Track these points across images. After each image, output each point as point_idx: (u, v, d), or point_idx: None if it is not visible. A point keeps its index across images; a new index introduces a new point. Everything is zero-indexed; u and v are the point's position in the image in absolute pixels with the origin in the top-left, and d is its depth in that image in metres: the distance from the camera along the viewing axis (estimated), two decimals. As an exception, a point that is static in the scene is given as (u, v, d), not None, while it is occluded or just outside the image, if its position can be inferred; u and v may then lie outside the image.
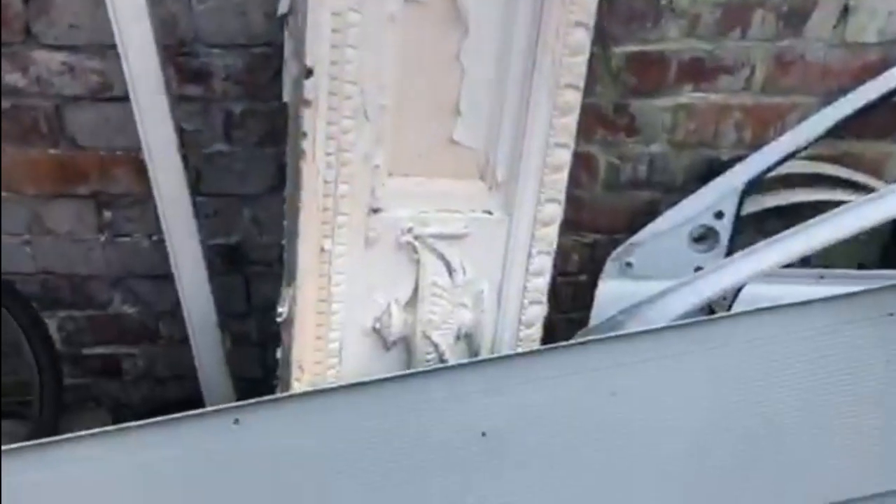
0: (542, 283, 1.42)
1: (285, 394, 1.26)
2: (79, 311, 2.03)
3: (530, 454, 1.24)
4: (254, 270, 1.99)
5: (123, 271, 1.96)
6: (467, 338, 1.43)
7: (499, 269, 1.38)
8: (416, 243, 1.31)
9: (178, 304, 1.97)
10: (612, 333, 1.32)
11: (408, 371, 1.30)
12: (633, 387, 1.27)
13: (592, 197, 1.89)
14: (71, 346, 2.09)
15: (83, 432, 1.19)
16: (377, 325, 1.36)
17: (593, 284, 1.85)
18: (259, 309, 2.05)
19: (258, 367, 2.10)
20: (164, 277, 1.95)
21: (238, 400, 1.84)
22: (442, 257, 1.33)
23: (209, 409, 1.22)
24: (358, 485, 1.21)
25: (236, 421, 1.22)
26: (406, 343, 1.40)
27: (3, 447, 1.14)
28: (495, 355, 1.32)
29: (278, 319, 1.29)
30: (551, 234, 1.38)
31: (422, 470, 1.23)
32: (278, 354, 1.52)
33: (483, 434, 1.24)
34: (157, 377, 2.15)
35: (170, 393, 2.17)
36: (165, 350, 2.11)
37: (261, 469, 1.21)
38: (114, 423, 2.09)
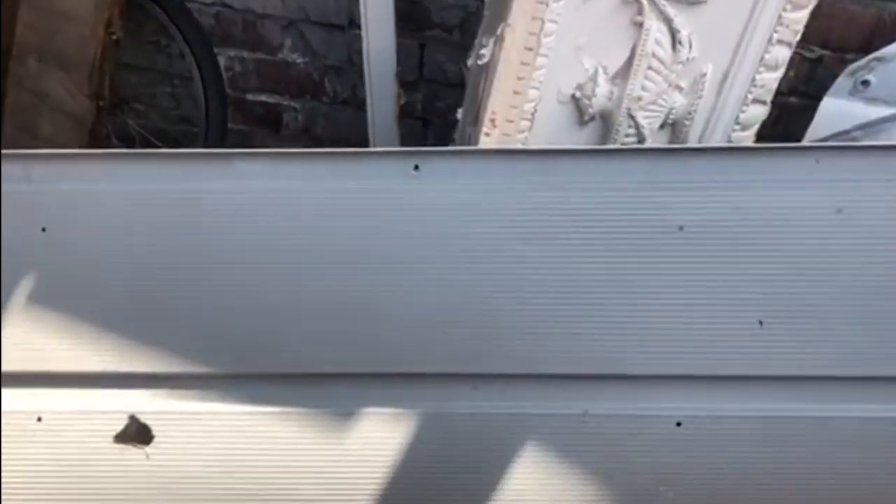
0: (773, 79, 1.23)
1: (472, 147, 1.16)
2: (248, 52, 1.97)
3: (733, 256, 1.10)
4: (432, 35, 1.86)
5: (299, 14, 1.86)
6: (673, 126, 1.27)
7: (730, 51, 1.19)
8: (645, 2, 1.13)
9: (347, 60, 1.88)
10: (851, 144, 1.13)
11: (606, 146, 1.16)
12: (865, 206, 1.10)
13: (832, 1, 1.61)
14: (235, 90, 2.05)
15: (266, 150, 1.13)
16: (578, 94, 1.22)
17: (804, 109, 1.63)
18: (429, 80, 1.93)
19: (416, 143, 2.01)
20: (339, 28, 1.86)
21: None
22: (670, 25, 1.15)
23: (392, 149, 1.14)
24: (536, 253, 1.12)
25: (416, 167, 1.13)
26: (605, 120, 1.25)
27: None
28: (706, 145, 1.16)
29: (479, 62, 1.16)
30: (800, 20, 1.17)
31: (611, 251, 1.11)
32: (458, 114, 1.41)
33: (680, 228, 1.12)
34: (315, 135, 2.10)
35: (325, 155, 2.12)
36: (328, 108, 2.04)
37: (432, 219, 1.13)
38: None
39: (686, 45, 1.16)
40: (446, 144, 2.01)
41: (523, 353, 1.14)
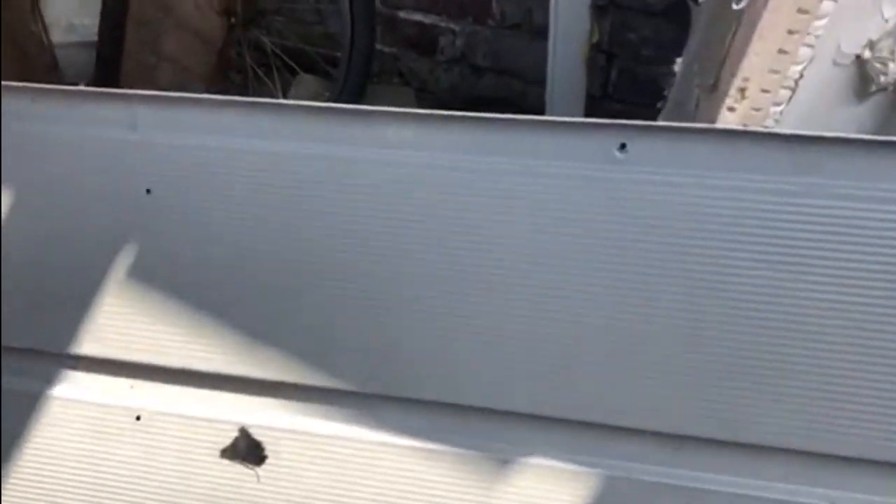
0: None
1: (709, 126, 0.83)
2: (404, -39, 1.67)
3: None
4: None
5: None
6: None
7: None
8: None
9: (521, -25, 1.55)
10: None
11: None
12: None
13: None
14: (387, 6, 1.76)
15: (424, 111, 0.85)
16: (866, 54, 0.85)
17: None
18: (621, 6, 1.57)
19: (598, 80, 1.67)
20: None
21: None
22: None
23: (589, 120, 0.83)
24: (790, 283, 0.80)
25: (623, 146, 0.82)
26: (897, 95, 0.89)
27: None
28: None
29: (735, 5, 0.81)
30: None
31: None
32: (677, 65, 1.06)
33: None
34: (473, 65, 1.79)
35: (484, 86, 1.82)
36: (492, 34, 1.72)
37: (641, 223, 0.82)
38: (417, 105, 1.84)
39: None
40: (636, 88, 1.66)
41: (749, 416, 0.84)
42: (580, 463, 0.89)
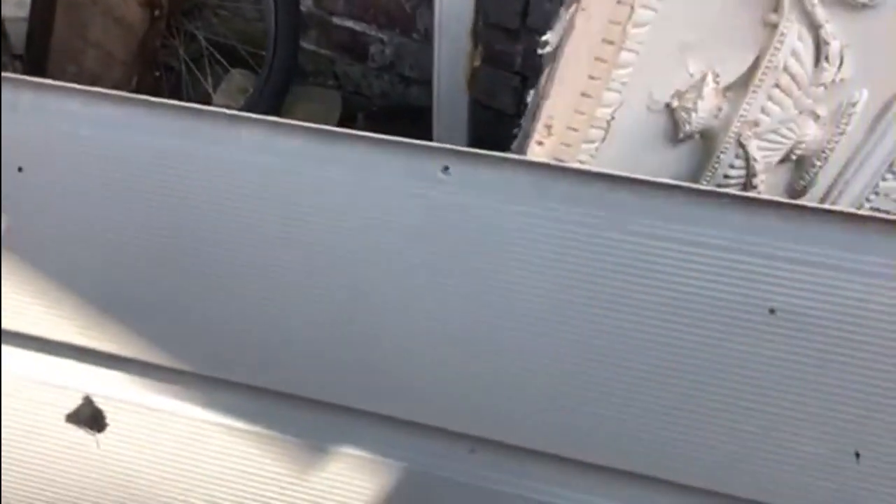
0: (955, 121, 0.89)
1: (519, 157, 0.90)
2: (336, -31, 1.74)
3: (839, 362, 0.82)
4: (541, -21, 1.56)
5: (391, -67, 1.61)
6: (797, 164, 0.96)
7: (896, 77, 0.86)
8: (786, -3, 0.81)
9: (442, -6, 1.61)
10: None
11: (691, 185, 0.87)
12: None
13: None
14: (321, 10, 1.82)
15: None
16: (675, 103, 0.93)
17: None
18: (533, 30, 1.64)
19: (511, 101, 1.74)
20: (434, -44, 1.58)
21: (473, 130, 1.52)
22: (816, 32, 0.83)
23: (418, 143, 0.90)
24: (579, 307, 0.87)
25: (446, 169, 0.89)
26: (705, 142, 0.96)
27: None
28: (830, 208, 0.84)
29: (541, 51, 0.89)
30: None
31: (674, 327, 0.85)
32: (529, 97, 1.14)
33: (772, 311, 0.83)
34: (401, 74, 1.86)
35: (412, 95, 1.89)
36: (418, 47, 1.79)
37: (455, 240, 0.89)
38: (344, 109, 1.91)
39: (835, 62, 0.84)
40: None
41: (541, 426, 0.91)
42: (385, 454, 0.96)
